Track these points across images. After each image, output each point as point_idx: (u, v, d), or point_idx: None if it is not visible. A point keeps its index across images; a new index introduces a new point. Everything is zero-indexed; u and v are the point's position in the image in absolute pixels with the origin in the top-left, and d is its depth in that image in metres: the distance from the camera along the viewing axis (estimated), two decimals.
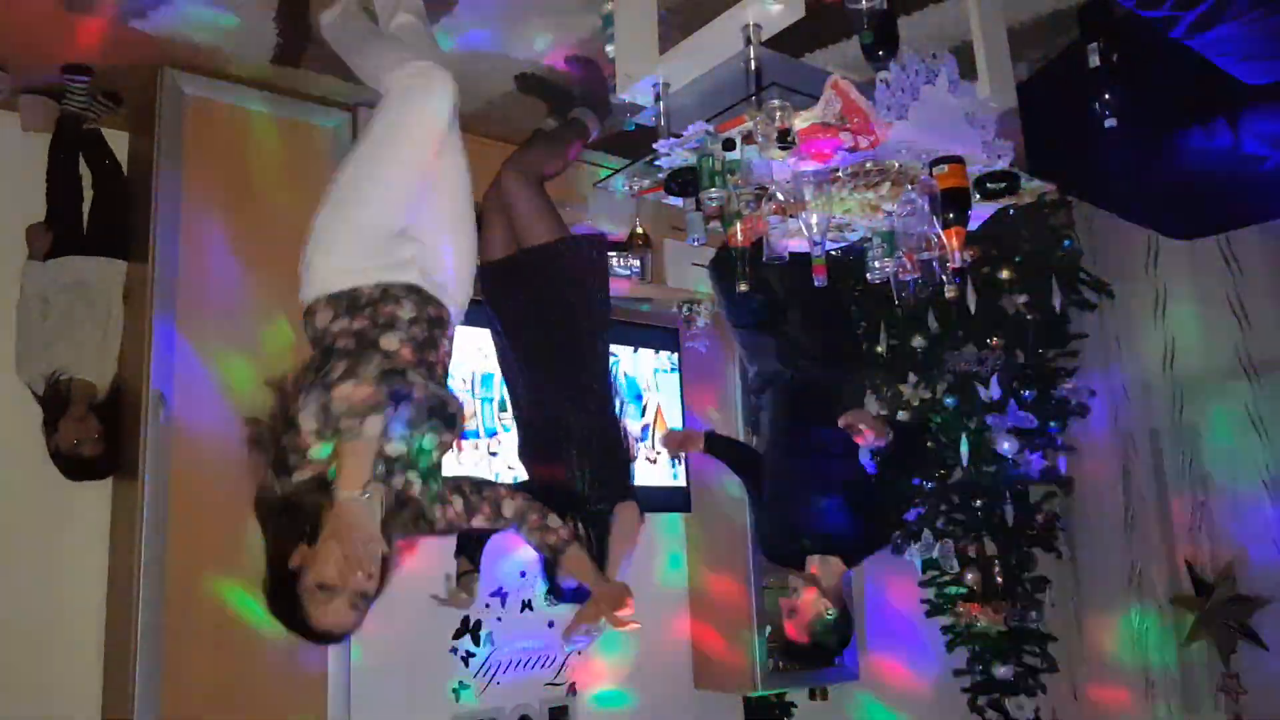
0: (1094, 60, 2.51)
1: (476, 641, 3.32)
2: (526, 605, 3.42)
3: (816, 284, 2.13)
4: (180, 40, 2.69)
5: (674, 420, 3.77)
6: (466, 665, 3.29)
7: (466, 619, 3.30)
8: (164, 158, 2.75)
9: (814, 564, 2.49)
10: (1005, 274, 3.41)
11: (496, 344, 2.67)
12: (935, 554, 3.36)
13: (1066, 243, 3.45)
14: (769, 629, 3.46)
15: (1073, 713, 3.51)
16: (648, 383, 3.79)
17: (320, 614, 1.60)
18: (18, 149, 2.93)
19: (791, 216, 2.22)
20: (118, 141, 3.07)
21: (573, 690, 3.51)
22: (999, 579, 3.28)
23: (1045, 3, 2.52)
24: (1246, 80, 2.37)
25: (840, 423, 2.50)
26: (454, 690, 3.24)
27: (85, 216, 2.95)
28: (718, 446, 2.95)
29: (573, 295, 2.49)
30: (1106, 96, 2.48)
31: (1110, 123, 2.49)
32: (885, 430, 2.52)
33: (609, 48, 2.21)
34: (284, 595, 1.62)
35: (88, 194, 2.97)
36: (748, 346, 2.94)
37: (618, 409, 2.57)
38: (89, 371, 2.79)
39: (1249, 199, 3.03)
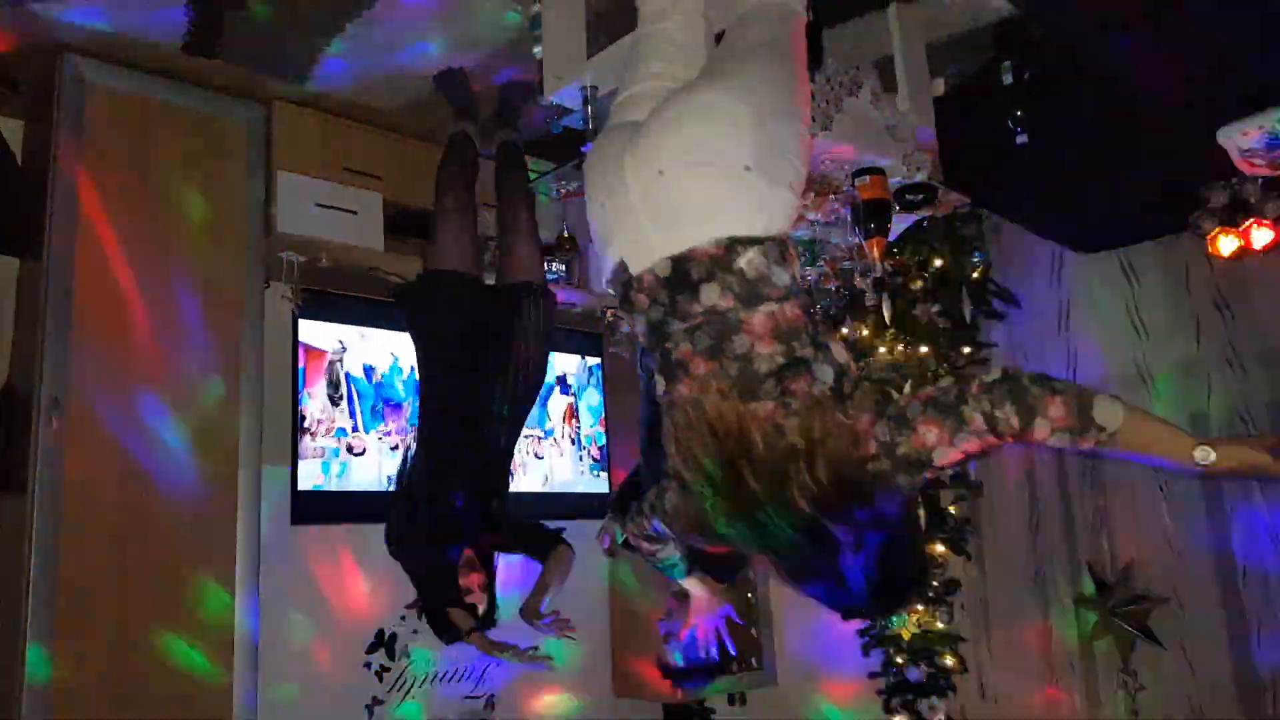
0: (1007, 78, 2.59)
1: (391, 655, 3.23)
2: None
3: None
4: (83, 24, 2.56)
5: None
6: (380, 680, 3.20)
7: (381, 632, 3.22)
8: (62, 149, 2.60)
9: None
10: (918, 284, 3.49)
11: None
12: None
13: (977, 254, 3.55)
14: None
15: (982, 711, 3.59)
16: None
17: None
18: None
19: None
20: (12, 131, 2.88)
21: (491, 704, 3.45)
22: None
23: (962, 21, 2.59)
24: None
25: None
26: (366, 707, 3.15)
27: None
28: None
29: None
30: (1018, 113, 2.56)
31: (1021, 139, 2.57)
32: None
33: (536, 49, 2.18)
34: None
35: None
36: None
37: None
38: None
39: (1147, 214, 3.18)
